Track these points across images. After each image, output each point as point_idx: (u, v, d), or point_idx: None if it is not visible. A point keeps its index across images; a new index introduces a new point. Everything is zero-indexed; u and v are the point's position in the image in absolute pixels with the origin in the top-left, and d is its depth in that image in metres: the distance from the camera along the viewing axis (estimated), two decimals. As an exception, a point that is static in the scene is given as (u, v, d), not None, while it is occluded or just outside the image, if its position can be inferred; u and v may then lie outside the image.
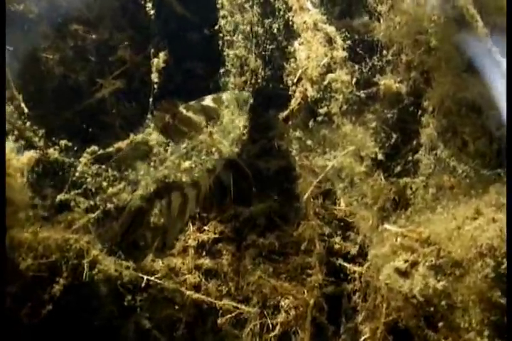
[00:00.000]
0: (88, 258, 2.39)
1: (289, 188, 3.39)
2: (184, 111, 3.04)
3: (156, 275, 2.76)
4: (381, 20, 2.72)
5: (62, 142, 2.77)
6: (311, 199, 3.24)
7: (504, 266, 2.19)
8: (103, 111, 3.70)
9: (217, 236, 3.40)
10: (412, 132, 2.78)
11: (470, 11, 2.32)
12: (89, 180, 2.70)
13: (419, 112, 2.76)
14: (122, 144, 2.95)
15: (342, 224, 3.15)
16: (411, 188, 2.72)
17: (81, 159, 2.77)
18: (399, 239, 2.55)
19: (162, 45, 3.44)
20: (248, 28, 2.86)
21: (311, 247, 3.18)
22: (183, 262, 3.29)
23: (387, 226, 2.66)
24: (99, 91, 3.67)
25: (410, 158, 2.77)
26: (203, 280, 3.22)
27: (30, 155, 2.45)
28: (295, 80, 2.77)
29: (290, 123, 2.78)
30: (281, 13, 2.88)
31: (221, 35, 2.97)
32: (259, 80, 2.97)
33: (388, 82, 2.68)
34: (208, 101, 3.00)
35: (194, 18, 3.54)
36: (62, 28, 3.66)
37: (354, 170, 2.70)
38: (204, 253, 3.33)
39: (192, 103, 3.12)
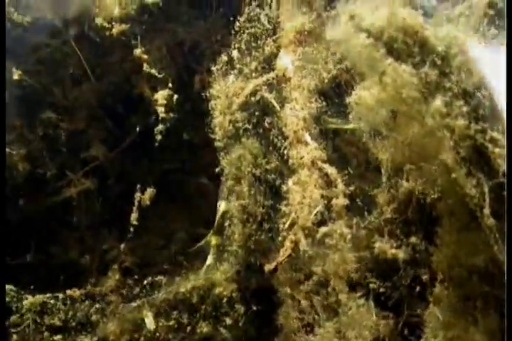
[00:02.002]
0: None
1: (269, 316, 3.03)
2: None
3: None
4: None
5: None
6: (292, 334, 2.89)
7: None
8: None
9: (181, 366, 3.02)
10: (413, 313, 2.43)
11: (474, 200, 1.99)
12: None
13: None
14: (74, 293, 2.56)
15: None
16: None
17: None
18: None
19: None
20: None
21: None
22: None
23: None
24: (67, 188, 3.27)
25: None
26: None
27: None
28: (286, 225, 2.40)
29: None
30: (278, 145, 2.54)
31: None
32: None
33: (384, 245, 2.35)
34: None
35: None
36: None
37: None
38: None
39: None
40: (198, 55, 3.32)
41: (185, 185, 3.59)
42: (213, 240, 3.08)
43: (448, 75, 1.93)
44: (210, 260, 3.01)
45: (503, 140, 1.81)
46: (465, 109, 1.86)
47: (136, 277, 3.10)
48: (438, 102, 1.80)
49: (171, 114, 2.89)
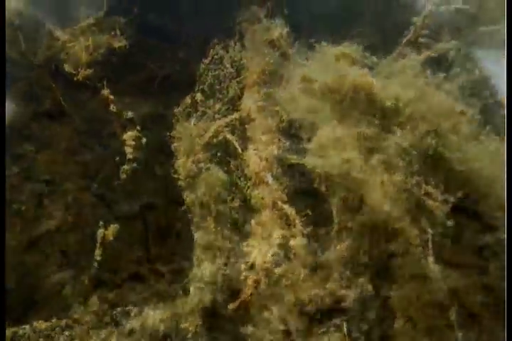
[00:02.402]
0: None
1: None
2: None
3: None
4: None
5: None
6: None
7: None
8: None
9: None
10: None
11: (418, 248, 2.08)
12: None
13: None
14: (42, 325, 2.64)
15: None
16: None
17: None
18: None
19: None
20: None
21: None
22: None
23: None
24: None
25: None
26: None
27: None
28: (248, 265, 2.49)
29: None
30: (241, 185, 2.62)
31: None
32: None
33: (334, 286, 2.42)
34: None
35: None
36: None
37: None
38: None
39: None
40: (169, 89, 3.40)
41: (163, 216, 3.66)
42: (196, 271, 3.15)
43: (392, 131, 2.02)
44: (192, 291, 3.07)
45: (437, 193, 1.90)
46: (401, 164, 1.95)
47: (106, 306, 3.17)
48: (374, 161, 1.89)
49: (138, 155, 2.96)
